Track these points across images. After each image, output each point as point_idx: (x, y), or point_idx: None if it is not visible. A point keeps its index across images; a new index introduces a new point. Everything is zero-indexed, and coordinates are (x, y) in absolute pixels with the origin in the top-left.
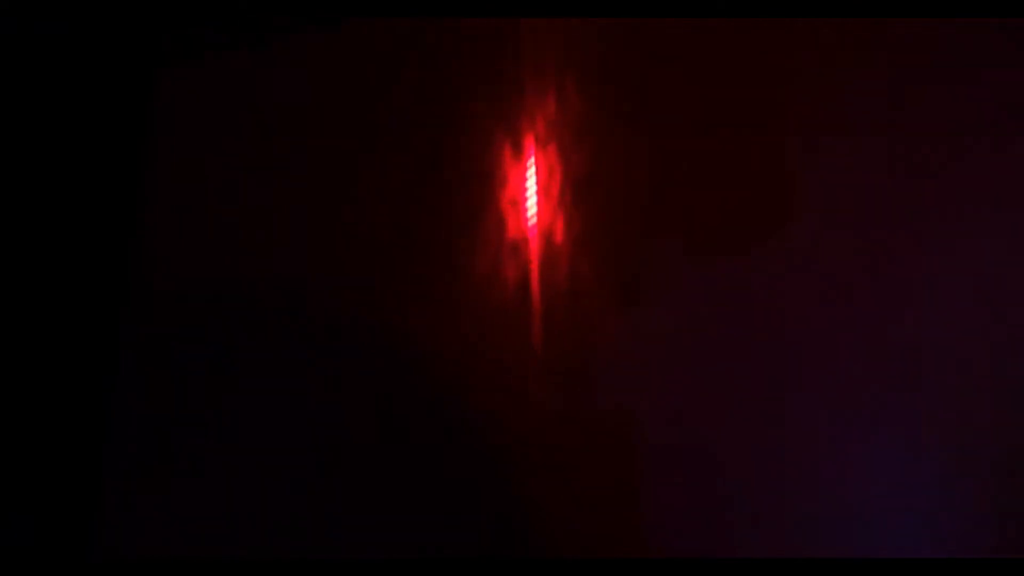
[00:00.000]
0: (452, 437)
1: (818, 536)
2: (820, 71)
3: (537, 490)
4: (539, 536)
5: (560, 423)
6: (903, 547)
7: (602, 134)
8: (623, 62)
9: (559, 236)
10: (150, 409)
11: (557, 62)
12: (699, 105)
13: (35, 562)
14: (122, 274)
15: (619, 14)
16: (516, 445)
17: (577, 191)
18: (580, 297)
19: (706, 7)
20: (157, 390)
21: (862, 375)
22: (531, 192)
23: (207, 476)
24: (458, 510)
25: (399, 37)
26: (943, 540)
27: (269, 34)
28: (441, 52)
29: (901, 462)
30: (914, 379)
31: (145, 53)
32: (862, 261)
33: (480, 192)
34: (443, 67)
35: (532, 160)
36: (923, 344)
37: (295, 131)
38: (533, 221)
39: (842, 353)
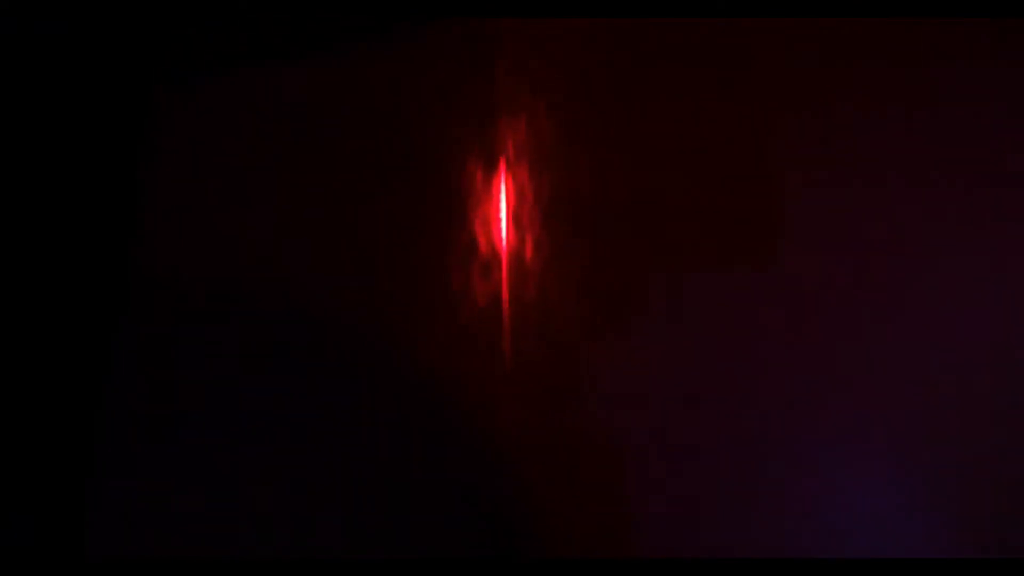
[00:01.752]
0: (425, 447)
1: (811, 538)
2: (804, 82)
3: (506, 503)
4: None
5: (532, 439)
6: (893, 548)
7: (573, 156)
8: (598, 85)
9: (529, 256)
10: (147, 409)
11: (531, 86)
12: (675, 126)
13: (31, 562)
14: (119, 275)
15: (596, 27)
16: (485, 459)
17: (547, 212)
18: (550, 315)
19: (686, 25)
20: (154, 390)
21: (851, 383)
22: (502, 213)
23: (204, 476)
24: (430, 518)
25: (375, 56)
26: (938, 541)
27: (268, 50)
28: (417, 73)
29: (888, 469)
30: (902, 388)
31: (146, 58)
32: (847, 273)
33: (451, 212)
34: (417, 87)
35: (503, 181)
36: (913, 354)
37: (285, 143)
38: (504, 241)
39: (830, 363)
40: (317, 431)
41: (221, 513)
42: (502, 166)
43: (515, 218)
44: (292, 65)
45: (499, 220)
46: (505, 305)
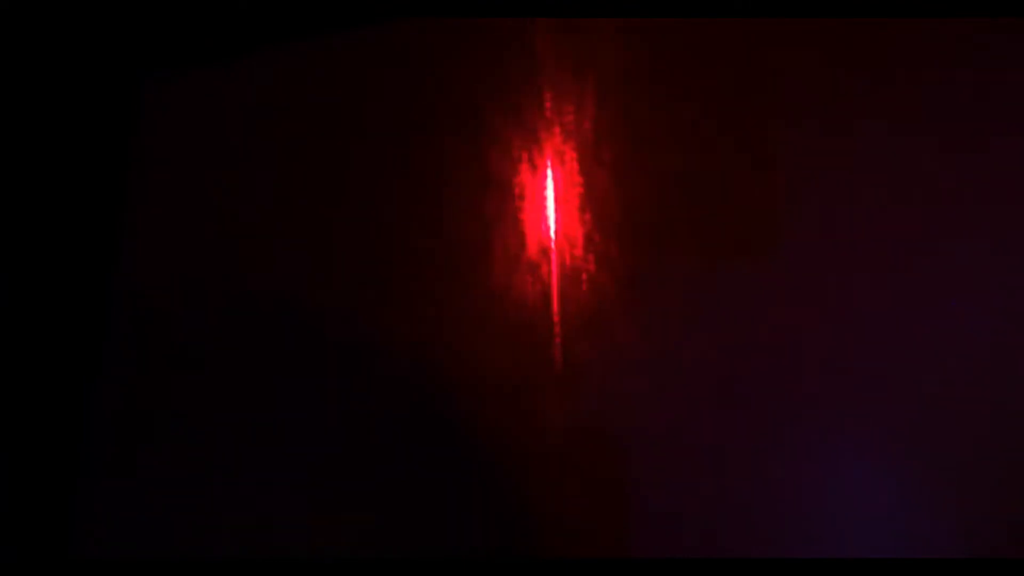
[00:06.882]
0: (457, 451)
1: (811, 538)
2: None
3: (540, 503)
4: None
5: (576, 438)
6: (893, 548)
7: (624, 145)
8: (645, 68)
9: (579, 251)
10: (136, 410)
11: (576, 64)
12: (727, 115)
13: (23, 561)
14: (108, 273)
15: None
16: (525, 460)
17: (597, 204)
18: (602, 314)
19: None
20: (142, 390)
21: (852, 383)
22: (549, 205)
23: (199, 477)
24: (459, 521)
25: (407, 36)
26: (938, 541)
27: (269, 40)
28: (451, 52)
29: (888, 468)
30: (903, 387)
31: (134, 54)
32: (851, 273)
33: (495, 204)
34: (453, 67)
35: (550, 170)
36: (914, 353)
37: (292, 137)
38: (552, 236)
39: (832, 363)
40: (317, 434)
41: (216, 514)
42: (549, 154)
43: (563, 210)
44: (307, 46)
45: (546, 213)
46: (554, 304)
